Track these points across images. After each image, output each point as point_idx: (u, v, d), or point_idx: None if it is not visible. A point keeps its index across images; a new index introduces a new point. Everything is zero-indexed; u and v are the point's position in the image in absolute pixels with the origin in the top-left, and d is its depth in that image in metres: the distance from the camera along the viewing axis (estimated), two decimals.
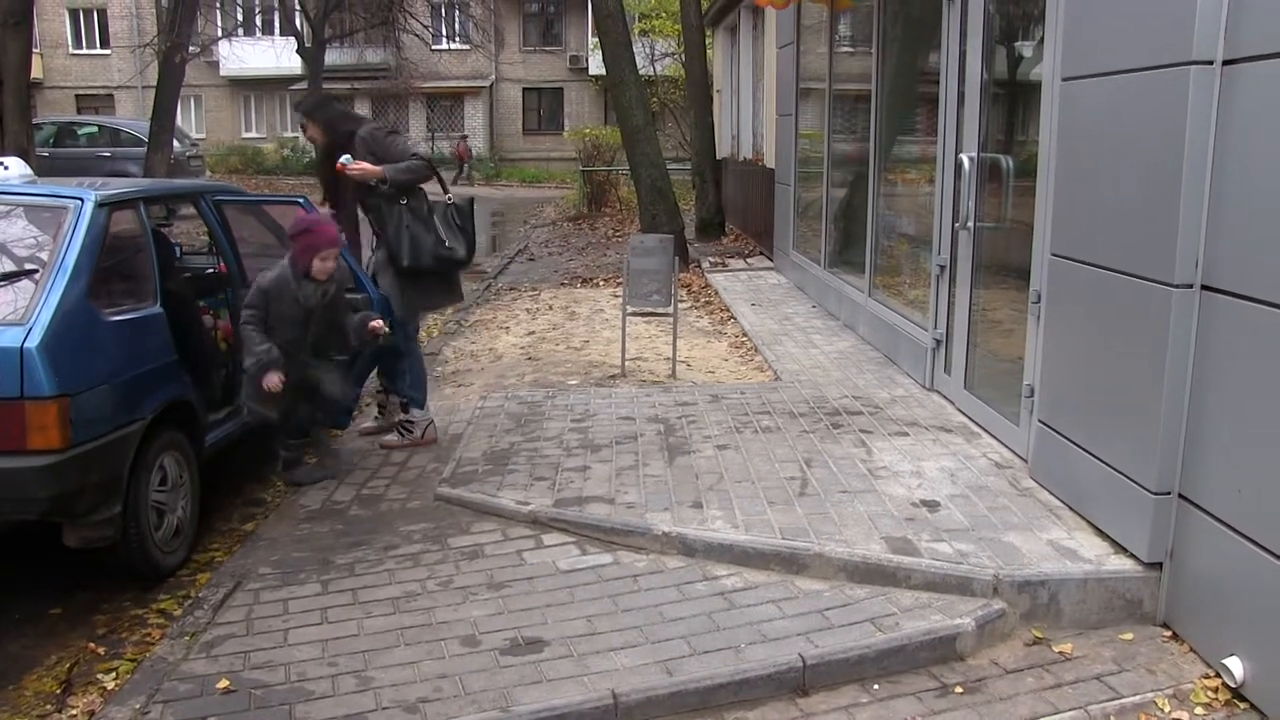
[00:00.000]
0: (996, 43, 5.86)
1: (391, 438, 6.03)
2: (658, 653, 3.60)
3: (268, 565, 4.48)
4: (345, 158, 5.65)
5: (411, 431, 5.99)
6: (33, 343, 3.92)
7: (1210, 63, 3.53)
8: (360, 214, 6.10)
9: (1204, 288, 3.62)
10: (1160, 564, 3.87)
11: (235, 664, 3.65)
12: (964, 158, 5.71)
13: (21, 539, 4.77)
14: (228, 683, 3.52)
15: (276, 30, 36.88)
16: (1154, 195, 3.79)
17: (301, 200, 5.46)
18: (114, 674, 3.76)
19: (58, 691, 3.70)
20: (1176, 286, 3.67)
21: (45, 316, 4.02)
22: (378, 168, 5.63)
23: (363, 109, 38.81)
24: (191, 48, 22.09)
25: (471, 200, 6.10)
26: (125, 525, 4.30)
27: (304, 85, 32.33)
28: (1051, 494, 4.67)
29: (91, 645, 4.02)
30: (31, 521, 4.11)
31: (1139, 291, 3.88)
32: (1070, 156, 4.52)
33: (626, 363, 7.73)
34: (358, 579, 4.31)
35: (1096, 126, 4.29)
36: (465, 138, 38.11)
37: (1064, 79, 4.53)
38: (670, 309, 7.62)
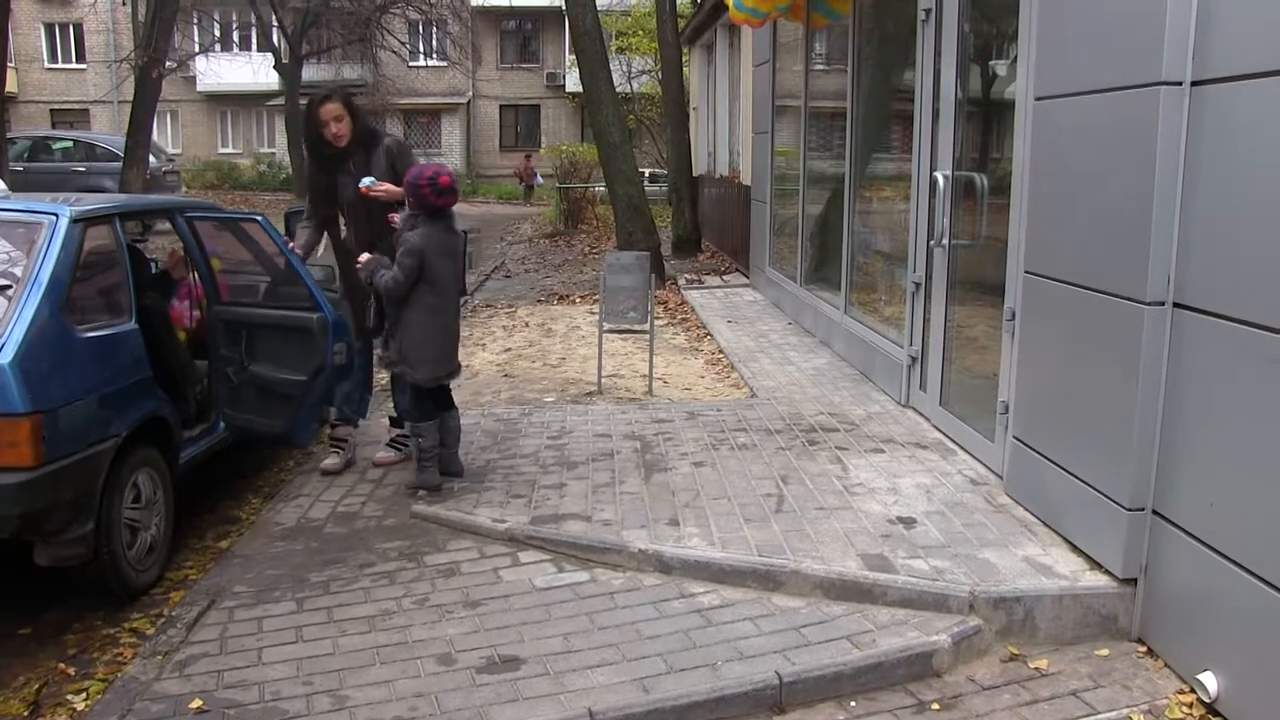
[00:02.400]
0: (971, 62, 5.92)
1: (385, 454, 5.98)
2: (634, 671, 3.59)
3: (242, 583, 4.45)
4: (368, 180, 5.45)
5: (409, 446, 5.94)
6: (5, 359, 3.88)
7: (1179, 83, 3.58)
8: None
9: (1176, 305, 3.66)
10: (1135, 580, 3.90)
11: (209, 684, 3.62)
12: (939, 175, 5.75)
13: None
14: (200, 703, 3.48)
15: (254, 46, 36.76)
16: (1126, 213, 3.83)
17: (259, 218, 5.36)
18: (84, 695, 3.71)
19: (25, 714, 3.64)
20: (1148, 304, 3.71)
21: (18, 333, 3.99)
22: (399, 189, 5.40)
23: None
24: (168, 63, 21.99)
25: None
26: (98, 543, 4.25)
27: (281, 101, 32.27)
28: (1027, 510, 4.69)
29: (61, 665, 3.97)
30: (1, 539, 4.06)
31: (1111, 309, 3.92)
32: (1043, 175, 4.57)
33: (603, 380, 7.73)
34: (333, 597, 4.28)
35: (1069, 145, 4.34)
36: (529, 155, 36.49)
37: (1037, 98, 4.58)
38: (646, 326, 7.63)
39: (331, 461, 5.97)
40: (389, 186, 5.48)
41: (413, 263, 5.03)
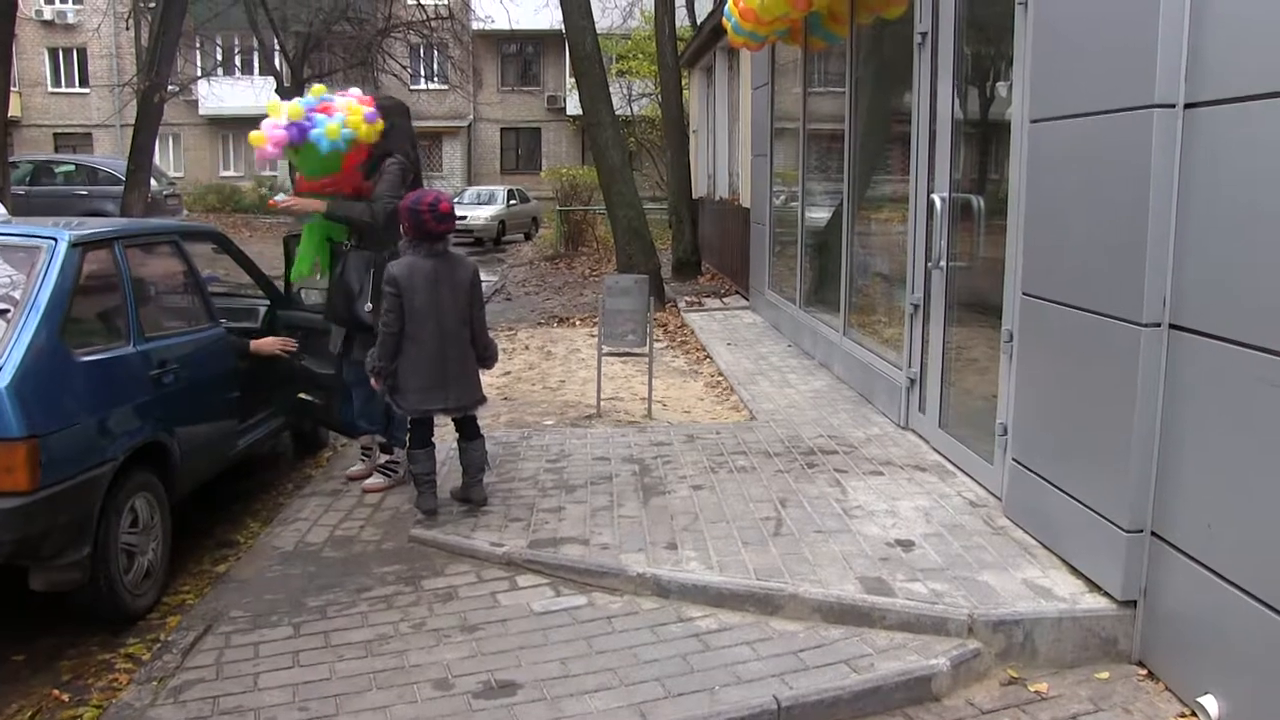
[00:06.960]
0: (967, 84, 5.94)
1: (375, 480, 5.96)
2: (631, 695, 3.58)
3: (239, 608, 4.43)
4: (279, 196, 5.64)
5: (396, 472, 5.95)
6: (2, 383, 3.89)
7: (1173, 106, 3.59)
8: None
9: (1172, 326, 3.66)
10: (1134, 602, 3.88)
11: (204, 709, 3.60)
12: (936, 198, 5.76)
13: None
14: None
15: (256, 70, 36.87)
16: (1121, 235, 3.84)
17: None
18: None
19: None
20: (1145, 325, 3.71)
21: (16, 356, 3.99)
22: (314, 202, 5.56)
23: None
24: (170, 87, 22.09)
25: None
26: (94, 568, 4.24)
27: None
28: (1026, 532, 4.68)
29: (56, 692, 3.95)
30: None
31: (1108, 330, 3.92)
32: (1039, 197, 4.58)
33: (602, 403, 7.72)
34: (330, 622, 4.26)
35: (1064, 168, 4.35)
36: None
37: (1032, 121, 4.59)
38: (645, 349, 7.63)
39: (356, 468, 6.19)
40: (297, 199, 5.63)
41: (391, 291, 5.02)
